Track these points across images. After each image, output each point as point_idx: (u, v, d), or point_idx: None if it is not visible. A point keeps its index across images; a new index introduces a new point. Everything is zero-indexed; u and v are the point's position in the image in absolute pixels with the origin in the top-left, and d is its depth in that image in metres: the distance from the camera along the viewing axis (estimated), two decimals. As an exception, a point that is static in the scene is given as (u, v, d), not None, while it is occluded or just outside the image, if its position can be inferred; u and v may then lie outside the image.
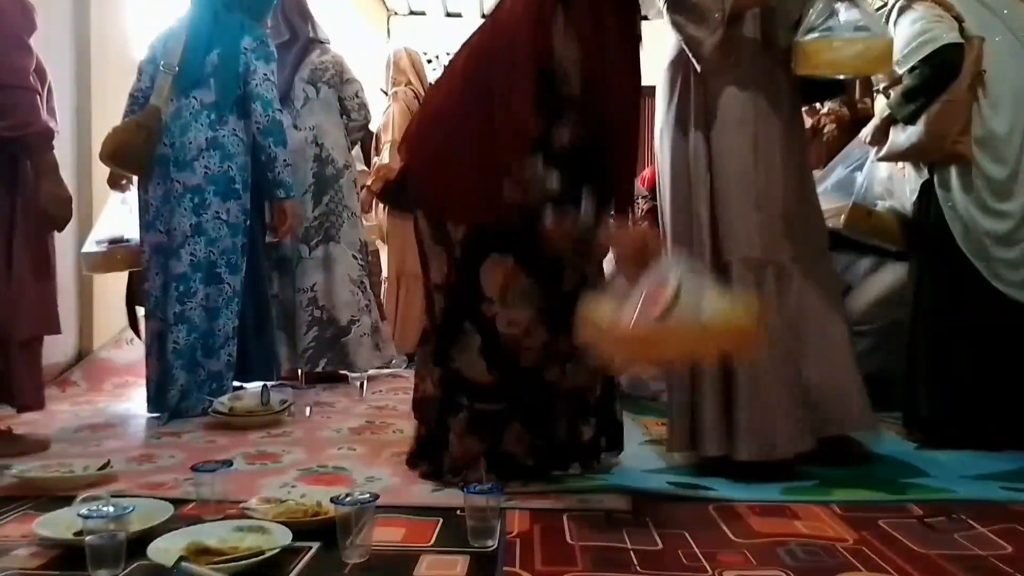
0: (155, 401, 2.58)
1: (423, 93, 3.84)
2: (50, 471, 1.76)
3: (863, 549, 1.36)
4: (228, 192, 2.57)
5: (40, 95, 2.12)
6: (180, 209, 2.53)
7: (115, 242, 2.86)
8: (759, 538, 1.42)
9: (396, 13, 7.21)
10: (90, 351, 3.24)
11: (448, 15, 7.26)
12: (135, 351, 3.34)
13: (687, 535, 1.43)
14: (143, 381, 3.08)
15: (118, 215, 2.85)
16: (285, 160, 2.66)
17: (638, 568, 1.28)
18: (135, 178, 2.69)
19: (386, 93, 3.97)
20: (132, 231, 2.77)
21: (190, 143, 2.53)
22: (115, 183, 2.78)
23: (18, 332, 2.10)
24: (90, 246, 2.89)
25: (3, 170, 2.09)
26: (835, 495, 1.66)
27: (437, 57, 7.16)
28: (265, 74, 2.61)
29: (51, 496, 1.62)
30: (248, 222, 2.64)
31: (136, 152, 2.55)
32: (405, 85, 3.91)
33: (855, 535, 1.43)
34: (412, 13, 7.21)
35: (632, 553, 1.34)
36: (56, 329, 2.26)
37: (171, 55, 2.59)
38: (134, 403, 2.83)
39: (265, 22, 2.83)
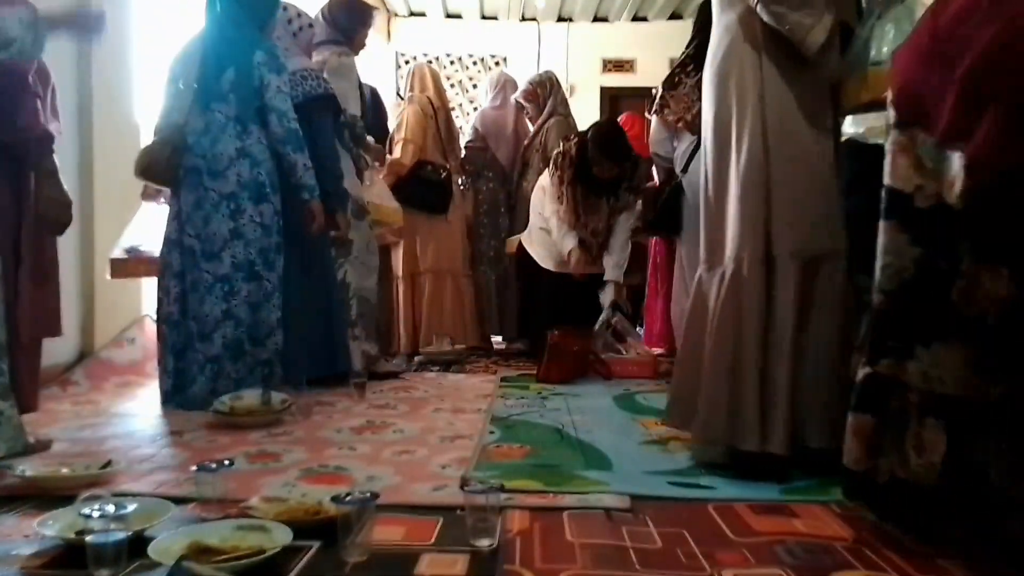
0: (175, 391, 2.70)
1: (436, 103, 4.03)
2: (52, 470, 1.76)
3: (861, 548, 1.36)
4: (260, 196, 2.74)
5: (41, 98, 2.13)
6: (217, 216, 2.70)
7: (132, 251, 3.09)
8: (758, 537, 1.42)
9: (397, 15, 7.21)
10: (92, 351, 3.24)
11: (448, 16, 7.26)
12: (136, 351, 3.35)
13: (686, 534, 1.43)
14: (144, 380, 3.12)
15: (144, 225, 3.07)
16: (305, 164, 2.80)
17: (637, 567, 1.29)
18: (166, 191, 2.86)
19: (401, 97, 4.11)
20: (150, 242, 2.99)
21: (221, 154, 2.71)
22: (148, 195, 2.97)
23: (21, 335, 2.10)
24: (116, 252, 3.10)
25: (7, 174, 2.11)
26: (834, 494, 1.65)
27: (437, 58, 7.17)
28: (278, 86, 2.76)
29: (53, 495, 1.63)
30: (280, 222, 2.80)
31: (164, 167, 2.74)
32: (420, 92, 4.04)
33: (853, 534, 1.43)
34: (412, 14, 7.21)
35: (631, 551, 1.35)
36: (57, 332, 2.28)
37: (189, 74, 2.76)
38: (135, 402, 2.84)
39: (270, 31, 2.91)
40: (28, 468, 1.75)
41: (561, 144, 3.65)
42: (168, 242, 2.78)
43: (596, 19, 7.32)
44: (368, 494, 1.33)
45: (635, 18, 7.26)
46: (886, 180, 1.32)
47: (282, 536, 1.30)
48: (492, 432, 2.33)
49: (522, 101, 4.40)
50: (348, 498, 1.31)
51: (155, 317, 2.88)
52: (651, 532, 1.45)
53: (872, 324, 1.34)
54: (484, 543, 1.35)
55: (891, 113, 1.36)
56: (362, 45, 3.52)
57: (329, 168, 3.04)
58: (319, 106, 3.03)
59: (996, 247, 1.21)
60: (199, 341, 2.68)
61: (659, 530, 1.46)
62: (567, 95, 4.70)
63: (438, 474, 1.85)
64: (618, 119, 4.62)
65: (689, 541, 1.40)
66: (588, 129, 3.67)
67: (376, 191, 3.55)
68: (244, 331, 2.71)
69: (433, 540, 1.39)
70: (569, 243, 3.59)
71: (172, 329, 2.75)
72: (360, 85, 3.47)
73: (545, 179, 3.76)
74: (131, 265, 3.13)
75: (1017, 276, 1.19)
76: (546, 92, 4.31)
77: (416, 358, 3.97)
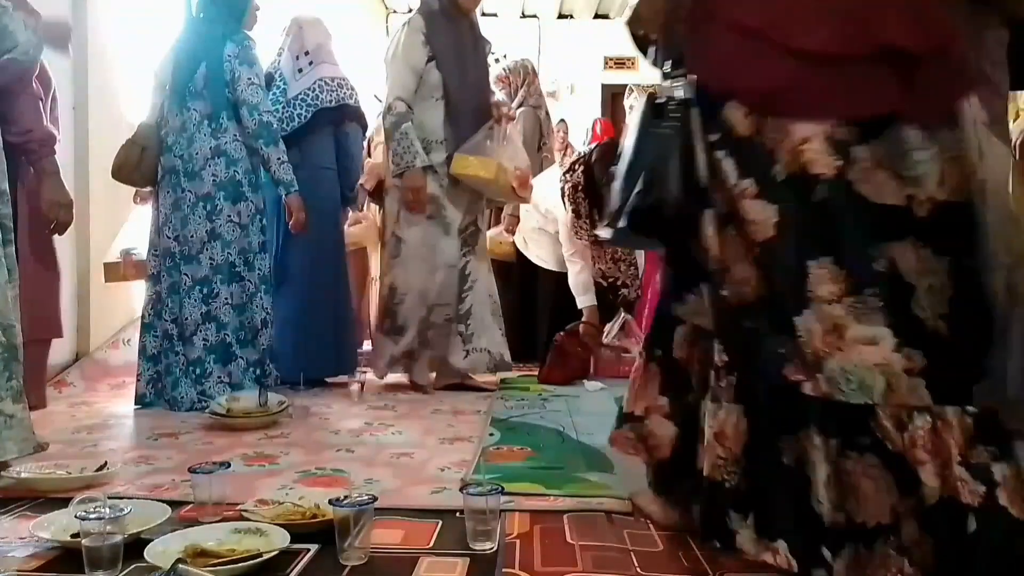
0: (157, 394, 2.71)
1: None
2: (47, 472, 1.75)
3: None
4: (237, 196, 2.70)
5: (43, 101, 2.15)
6: (194, 217, 2.67)
7: (125, 254, 3.14)
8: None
9: (395, 12, 7.19)
10: (87, 352, 3.23)
11: (447, 14, 7.25)
12: (131, 352, 3.33)
13: (688, 537, 1.41)
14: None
15: (135, 228, 3.13)
16: (279, 159, 2.75)
17: (638, 569, 1.27)
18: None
19: (379, 100, 4.03)
20: (143, 244, 3.00)
21: (197, 153, 2.67)
22: (142, 199, 3.01)
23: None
24: (110, 256, 3.13)
25: (6, 173, 2.10)
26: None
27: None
28: (249, 79, 2.70)
29: (48, 497, 1.62)
30: (262, 220, 2.77)
31: (136, 167, 2.73)
32: None
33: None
34: (411, 11, 7.19)
35: (633, 554, 1.33)
36: (57, 333, 2.27)
37: (165, 73, 2.75)
38: (131, 404, 2.82)
39: (247, 23, 2.87)
40: (23, 470, 1.74)
41: (567, 178, 3.50)
42: (149, 244, 2.80)
43: (597, 16, 7.32)
44: (366, 497, 1.31)
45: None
46: (873, 199, 1.16)
47: (279, 539, 1.29)
48: (492, 434, 2.32)
49: (493, 87, 4.32)
50: (346, 501, 1.29)
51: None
52: (653, 535, 1.44)
53: (945, 364, 1.13)
54: (484, 546, 1.34)
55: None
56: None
57: (352, 171, 3.28)
58: (349, 114, 3.18)
59: None
60: (181, 344, 2.68)
61: (660, 533, 1.44)
62: (568, 92, 4.63)
63: (437, 477, 1.84)
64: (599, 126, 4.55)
65: (691, 544, 1.38)
66: (588, 153, 3.54)
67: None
68: (229, 334, 2.69)
69: (432, 543, 1.38)
70: (587, 300, 3.51)
71: (144, 332, 2.76)
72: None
73: (542, 180, 3.72)
74: (122, 268, 3.15)
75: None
76: (519, 80, 4.13)
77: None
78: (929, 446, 1.10)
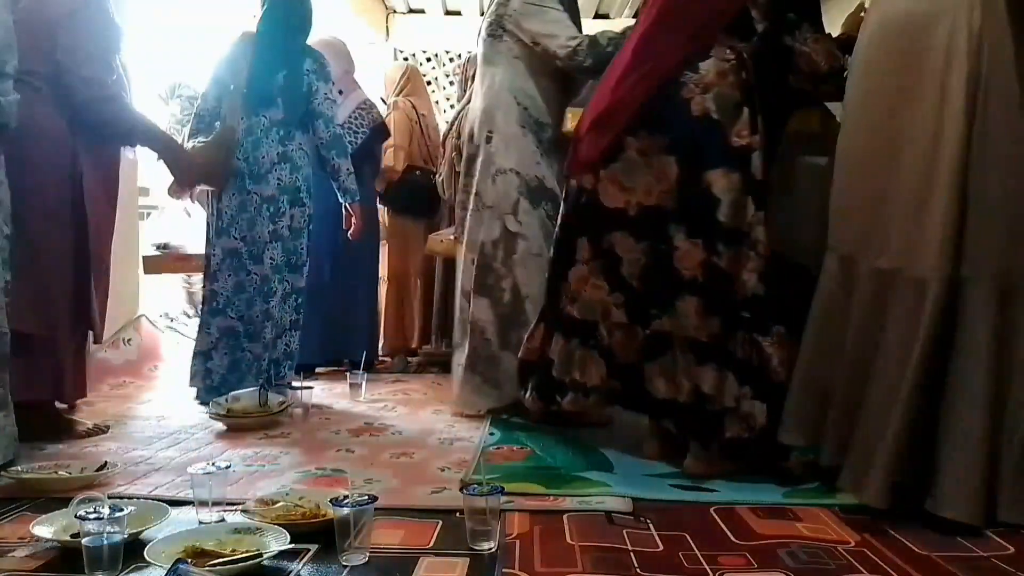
0: (213, 391, 2.73)
1: (419, 105, 4.00)
2: (47, 472, 1.75)
3: (865, 551, 1.36)
4: (296, 200, 2.81)
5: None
6: (260, 218, 2.77)
7: (164, 247, 3.26)
8: (760, 540, 1.41)
9: (395, 11, 7.19)
10: (88, 352, 3.22)
11: (448, 13, 7.24)
12: (133, 352, 3.34)
13: (688, 537, 1.42)
14: (141, 382, 3.12)
15: (174, 223, 3.25)
16: (348, 169, 2.93)
17: (638, 570, 1.27)
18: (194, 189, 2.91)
19: (385, 102, 4.07)
20: (180, 239, 3.19)
21: (263, 158, 2.76)
22: (175, 193, 2.97)
23: (61, 327, 2.15)
24: (147, 250, 3.23)
25: (61, 164, 2.17)
26: (838, 498, 1.64)
27: (436, 55, 7.15)
28: (325, 93, 2.85)
29: (48, 497, 1.62)
30: (311, 227, 2.88)
31: (218, 169, 2.77)
32: (405, 96, 4.01)
33: (857, 537, 1.43)
34: (411, 11, 7.19)
35: (632, 555, 1.34)
36: (96, 332, 2.31)
37: (238, 77, 2.81)
38: (132, 404, 2.83)
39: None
40: (23, 470, 1.74)
41: None
42: (213, 243, 2.82)
43: (597, 15, 7.30)
44: (366, 497, 1.31)
45: (636, 15, 7.25)
46: (606, 204, 1.91)
47: (279, 539, 1.29)
48: (492, 434, 2.31)
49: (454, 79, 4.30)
50: (346, 501, 1.30)
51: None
52: (652, 535, 1.44)
53: (636, 304, 1.91)
54: (484, 546, 1.34)
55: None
56: None
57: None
58: (380, 135, 3.62)
59: (696, 229, 1.82)
60: (248, 341, 2.76)
61: (660, 533, 1.45)
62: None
63: (437, 477, 1.84)
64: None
65: (691, 544, 1.39)
66: None
67: None
68: (276, 331, 2.79)
69: (432, 543, 1.39)
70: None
71: (200, 329, 2.82)
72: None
73: None
74: (165, 261, 3.20)
75: (707, 246, 1.81)
76: (472, 70, 3.60)
77: (414, 358, 3.95)
78: (623, 350, 1.92)
